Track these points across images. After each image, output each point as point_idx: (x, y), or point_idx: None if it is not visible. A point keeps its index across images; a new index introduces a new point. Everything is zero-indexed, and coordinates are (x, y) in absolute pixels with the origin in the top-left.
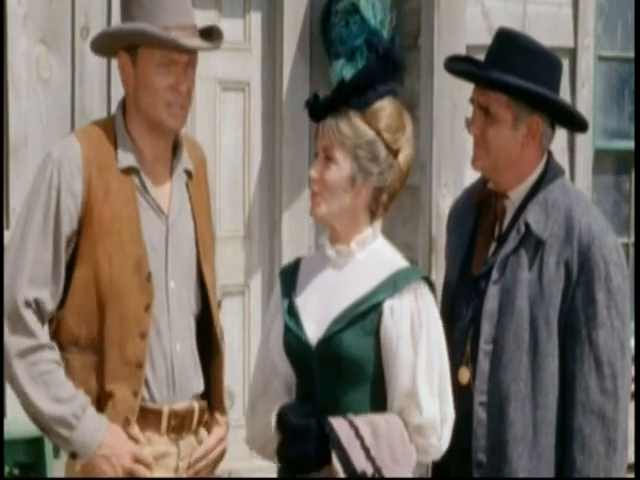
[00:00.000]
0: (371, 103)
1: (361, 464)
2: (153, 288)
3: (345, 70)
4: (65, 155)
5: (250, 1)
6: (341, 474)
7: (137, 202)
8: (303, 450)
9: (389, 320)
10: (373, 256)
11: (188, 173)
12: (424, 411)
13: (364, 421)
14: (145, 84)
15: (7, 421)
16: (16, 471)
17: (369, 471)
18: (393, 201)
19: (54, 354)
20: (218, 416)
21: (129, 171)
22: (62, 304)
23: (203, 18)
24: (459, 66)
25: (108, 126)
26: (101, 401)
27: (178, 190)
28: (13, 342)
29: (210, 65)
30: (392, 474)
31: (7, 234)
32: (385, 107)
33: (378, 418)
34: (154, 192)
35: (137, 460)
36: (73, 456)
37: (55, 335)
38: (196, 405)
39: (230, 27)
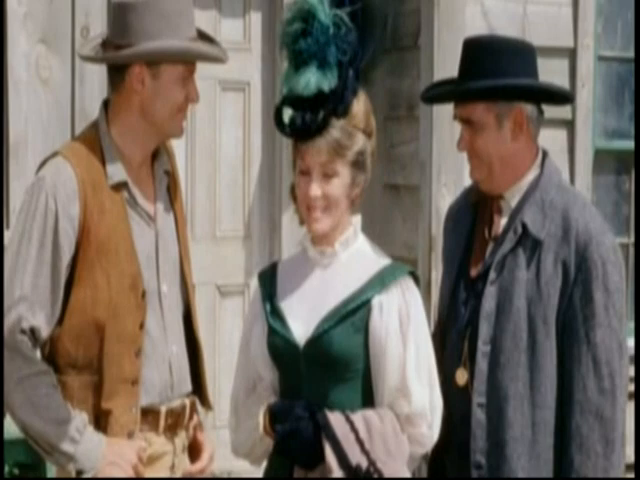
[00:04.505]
0: (350, 104)
1: (356, 457)
2: (147, 306)
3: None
4: (59, 179)
5: (250, 1)
6: (335, 468)
7: (129, 217)
8: (298, 447)
9: (378, 316)
10: (357, 255)
11: (167, 173)
12: (414, 401)
13: (358, 416)
14: (165, 96)
15: (7, 421)
16: (16, 471)
17: (364, 464)
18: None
19: (51, 378)
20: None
21: (119, 186)
22: (58, 326)
23: (203, 18)
24: (434, 92)
25: (92, 140)
26: (100, 419)
27: (161, 192)
28: (11, 369)
29: (210, 65)
30: (386, 467)
31: (7, 234)
32: (359, 101)
33: (371, 413)
34: (142, 201)
35: (140, 457)
36: (79, 473)
37: (51, 358)
38: (187, 401)
39: (230, 27)
